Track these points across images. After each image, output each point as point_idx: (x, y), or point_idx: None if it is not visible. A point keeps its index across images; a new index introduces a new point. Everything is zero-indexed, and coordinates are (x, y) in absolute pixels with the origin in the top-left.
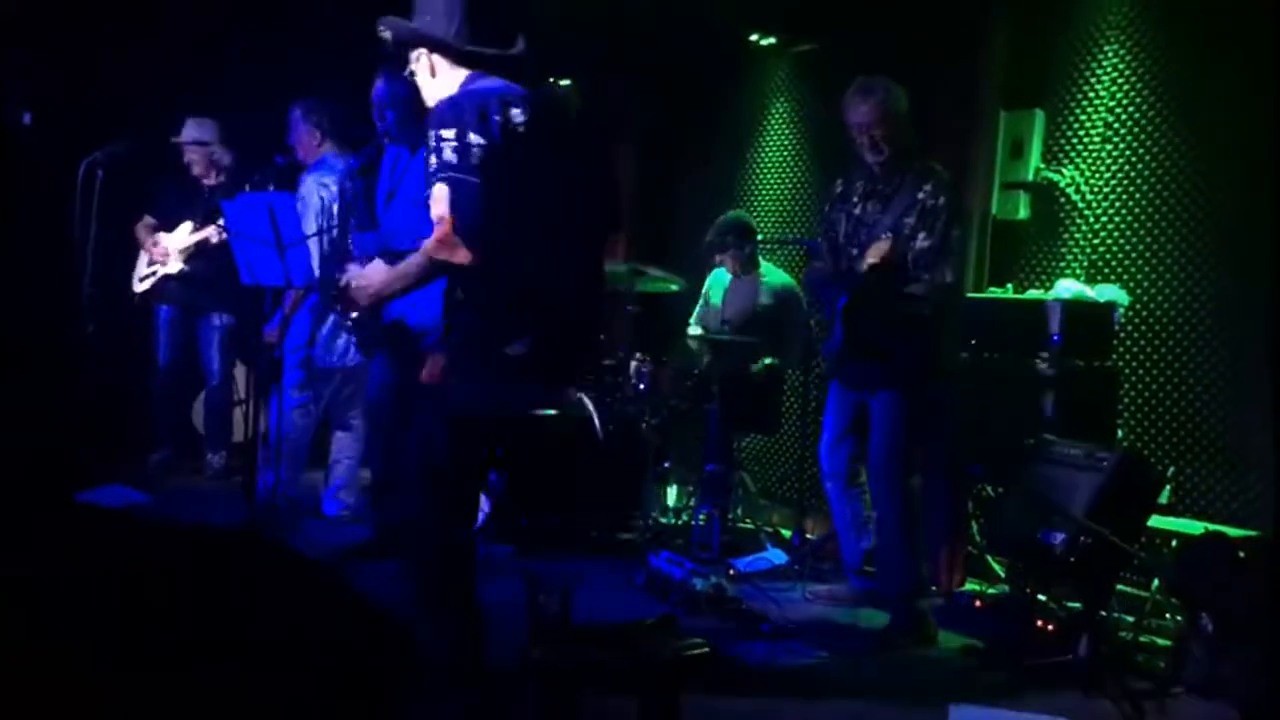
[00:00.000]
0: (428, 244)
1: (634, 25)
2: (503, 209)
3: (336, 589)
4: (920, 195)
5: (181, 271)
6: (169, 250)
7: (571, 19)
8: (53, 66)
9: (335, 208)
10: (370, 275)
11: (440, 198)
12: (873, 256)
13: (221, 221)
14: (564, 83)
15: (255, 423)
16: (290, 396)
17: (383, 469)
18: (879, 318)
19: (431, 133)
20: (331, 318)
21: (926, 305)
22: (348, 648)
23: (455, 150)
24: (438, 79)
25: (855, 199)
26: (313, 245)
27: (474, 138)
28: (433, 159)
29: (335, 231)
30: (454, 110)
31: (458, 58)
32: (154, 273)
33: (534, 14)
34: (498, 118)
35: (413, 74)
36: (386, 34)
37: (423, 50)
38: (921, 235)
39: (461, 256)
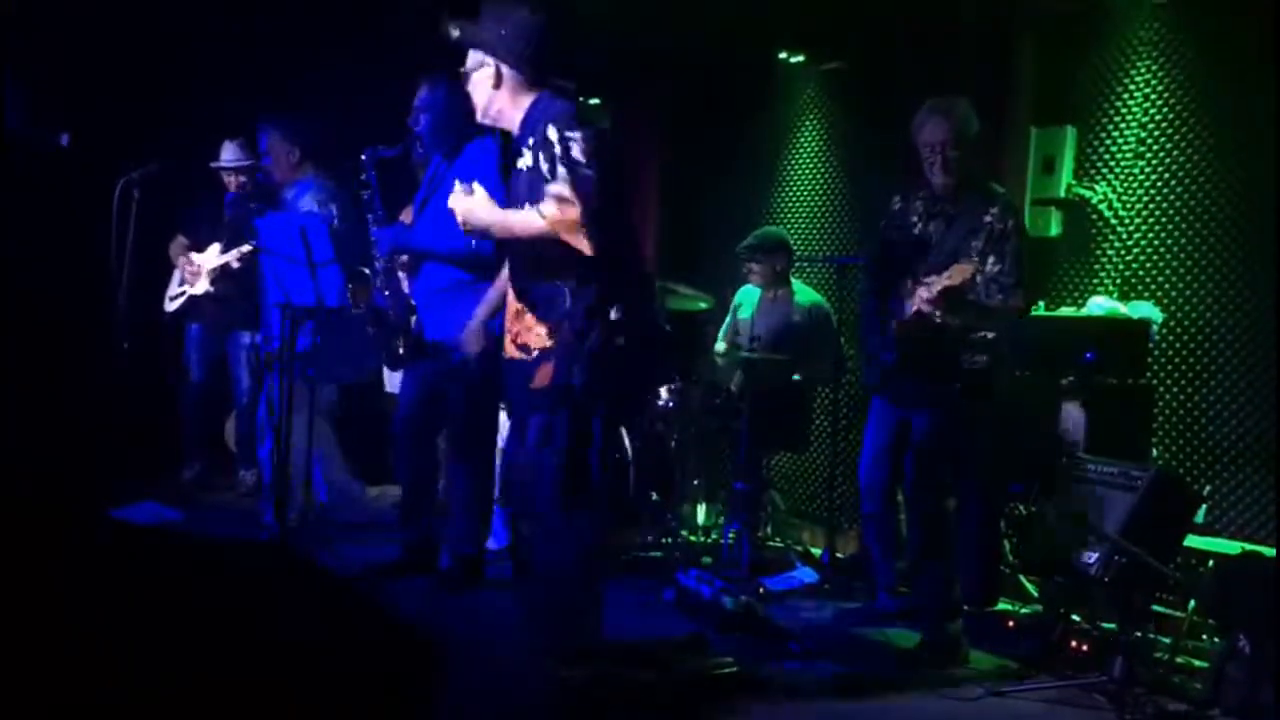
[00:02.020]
0: (554, 216)
1: (663, 42)
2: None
3: (358, 606)
4: (987, 219)
5: (208, 292)
6: (200, 270)
7: (600, 36)
8: (90, 87)
9: (334, 225)
10: (481, 202)
11: (566, 189)
12: (955, 278)
13: (246, 247)
14: (593, 101)
15: (285, 441)
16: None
17: (411, 485)
18: (947, 339)
19: (555, 131)
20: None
21: (994, 328)
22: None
23: (583, 150)
24: (500, 90)
25: (915, 218)
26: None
27: (594, 143)
28: (558, 150)
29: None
30: (575, 115)
31: (529, 77)
32: (183, 292)
33: (563, 31)
34: (602, 128)
35: (466, 77)
36: (455, 33)
37: (491, 60)
38: (992, 259)
39: (583, 246)
